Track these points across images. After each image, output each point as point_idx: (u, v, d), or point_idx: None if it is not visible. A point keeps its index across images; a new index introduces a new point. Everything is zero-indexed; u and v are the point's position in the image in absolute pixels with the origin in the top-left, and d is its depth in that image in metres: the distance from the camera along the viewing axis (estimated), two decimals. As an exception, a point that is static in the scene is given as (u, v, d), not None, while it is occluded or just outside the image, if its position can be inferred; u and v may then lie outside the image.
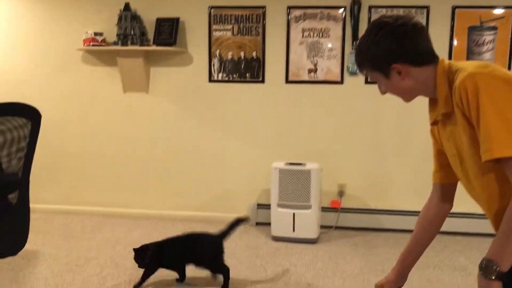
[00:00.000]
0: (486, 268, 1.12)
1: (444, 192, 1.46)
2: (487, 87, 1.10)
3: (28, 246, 3.36)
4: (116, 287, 2.72)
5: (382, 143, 3.87)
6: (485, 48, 3.67)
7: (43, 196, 4.29)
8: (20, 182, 2.08)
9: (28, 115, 2.00)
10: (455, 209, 4.20)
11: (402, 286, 1.53)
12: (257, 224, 3.99)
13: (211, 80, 3.98)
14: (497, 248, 1.11)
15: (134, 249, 2.67)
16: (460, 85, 1.14)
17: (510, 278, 1.12)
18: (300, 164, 3.54)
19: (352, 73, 3.78)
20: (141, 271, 2.72)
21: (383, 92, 1.37)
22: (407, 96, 1.34)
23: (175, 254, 2.73)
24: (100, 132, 4.18)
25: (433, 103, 1.33)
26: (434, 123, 1.36)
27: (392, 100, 3.77)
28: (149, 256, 2.63)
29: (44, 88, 4.18)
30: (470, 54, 3.70)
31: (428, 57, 1.26)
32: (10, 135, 1.93)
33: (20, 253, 3.21)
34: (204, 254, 2.73)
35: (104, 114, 4.16)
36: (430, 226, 1.49)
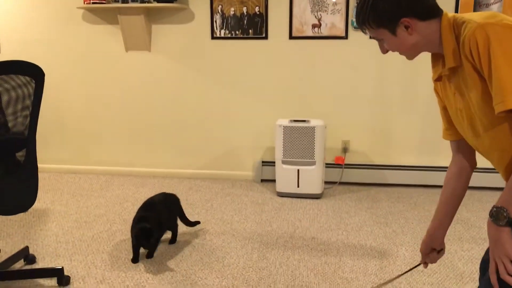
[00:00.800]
0: (496, 214, 1.13)
1: (461, 148, 1.43)
2: (498, 38, 1.07)
3: (37, 204, 3.45)
4: (125, 242, 2.79)
5: (387, 98, 3.85)
6: (492, 0, 3.58)
7: (51, 156, 4.35)
8: (27, 140, 2.10)
9: (31, 73, 2.00)
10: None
11: (438, 248, 1.54)
12: (262, 181, 4.04)
13: (213, 37, 3.93)
14: (507, 196, 1.13)
15: (140, 231, 2.48)
16: (469, 37, 1.12)
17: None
18: (304, 121, 3.55)
19: (357, 28, 3.71)
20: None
21: (385, 51, 1.33)
22: (412, 52, 1.31)
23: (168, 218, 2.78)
24: (103, 92, 4.18)
25: (436, 58, 1.31)
26: (438, 79, 1.34)
27: (398, 55, 3.73)
28: (156, 234, 2.57)
29: (46, 47, 4.15)
30: (478, 7, 3.62)
31: (433, 10, 1.23)
32: (15, 93, 1.93)
33: (30, 210, 3.31)
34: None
35: (107, 73, 4.14)
36: (454, 185, 1.46)
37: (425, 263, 1.58)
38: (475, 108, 1.20)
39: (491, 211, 1.15)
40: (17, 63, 1.94)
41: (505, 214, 1.11)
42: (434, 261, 1.55)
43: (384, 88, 3.84)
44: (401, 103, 3.84)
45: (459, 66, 1.21)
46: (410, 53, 1.31)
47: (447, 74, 1.27)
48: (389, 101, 3.85)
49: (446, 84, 1.31)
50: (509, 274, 1.12)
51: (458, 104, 1.26)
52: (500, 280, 1.14)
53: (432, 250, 1.54)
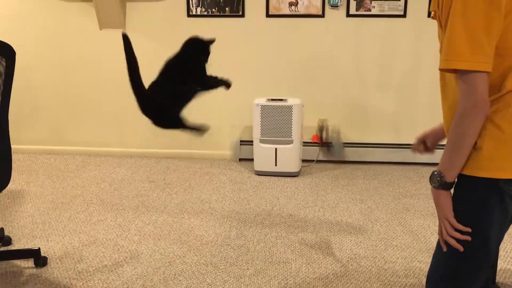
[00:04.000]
0: (431, 178, 1.21)
1: None
2: None
3: (12, 185, 3.40)
4: (102, 222, 2.78)
5: (363, 77, 3.88)
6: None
7: (25, 137, 4.27)
8: (-2, 120, 2.06)
9: (1, 52, 1.95)
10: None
11: (441, 139, 1.52)
12: (240, 160, 4.06)
13: (189, 15, 3.87)
14: (442, 161, 1.18)
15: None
16: None
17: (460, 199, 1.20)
18: (281, 99, 3.55)
19: (333, 6, 3.71)
20: (127, 204, 2.78)
21: None
22: None
23: None
24: (77, 71, 4.10)
25: None
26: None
27: (374, 33, 3.75)
28: None
29: (17, 24, 4.03)
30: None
31: None
32: (-16, 72, 1.88)
33: (4, 192, 3.26)
34: None
35: (80, 52, 4.05)
36: None
37: (418, 149, 1.58)
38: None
39: (430, 175, 1.21)
40: (-14, 41, 1.88)
41: (438, 178, 1.18)
42: (423, 151, 1.56)
43: (361, 66, 3.86)
44: (378, 80, 3.88)
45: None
46: None
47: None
48: (366, 79, 3.88)
49: None
50: (449, 235, 1.19)
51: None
52: (447, 242, 1.22)
53: (427, 142, 1.55)
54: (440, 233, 1.23)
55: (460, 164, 1.15)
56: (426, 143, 1.55)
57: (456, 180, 1.19)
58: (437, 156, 4.07)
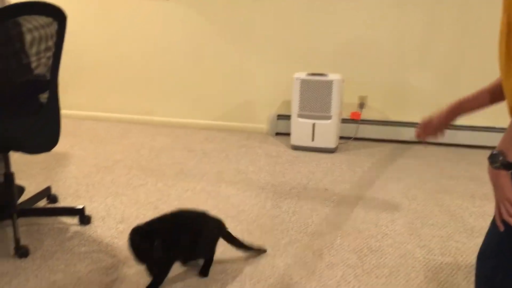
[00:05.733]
0: (492, 157, 1.17)
1: None
2: None
3: (57, 148, 3.52)
4: (143, 186, 2.87)
5: (404, 54, 3.79)
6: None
7: (70, 102, 4.40)
8: (49, 82, 2.14)
9: (53, 14, 2.01)
10: (474, 122, 4.19)
11: (448, 124, 1.52)
12: (277, 134, 4.07)
13: (233, -14, 3.86)
14: (504, 140, 1.15)
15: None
16: None
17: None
18: (322, 74, 3.52)
19: (380, -20, 3.62)
20: (166, 171, 2.84)
21: None
22: None
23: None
24: (122, 38, 4.18)
25: None
26: None
27: (415, 9, 3.64)
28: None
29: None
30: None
31: None
32: (38, 33, 1.95)
33: (51, 152, 3.39)
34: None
35: (125, 20, 4.12)
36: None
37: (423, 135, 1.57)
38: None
39: (489, 155, 1.18)
40: (40, 4, 1.95)
41: (500, 157, 1.14)
42: (429, 133, 1.55)
43: (402, 43, 3.77)
44: (419, 58, 3.78)
45: None
46: None
47: None
48: (407, 56, 3.80)
49: None
50: (510, 215, 1.17)
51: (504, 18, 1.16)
52: (504, 221, 1.19)
53: (434, 124, 1.53)
54: (498, 213, 1.21)
55: None
56: (431, 127, 1.52)
57: None
58: (476, 137, 3.95)
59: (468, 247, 2.27)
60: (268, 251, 2.17)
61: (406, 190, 2.93)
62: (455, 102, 1.51)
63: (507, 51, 1.19)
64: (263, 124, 4.16)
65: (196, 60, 4.11)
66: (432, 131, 1.56)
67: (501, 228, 1.22)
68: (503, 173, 1.16)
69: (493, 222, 1.27)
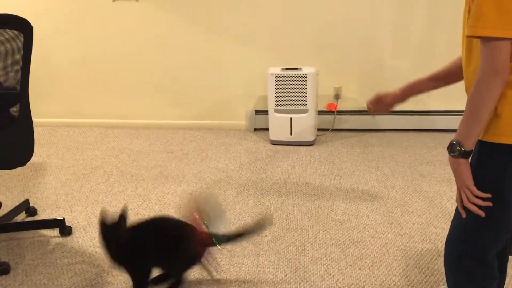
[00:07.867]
0: (450, 147, 1.21)
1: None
2: None
3: (33, 158, 3.49)
4: (123, 192, 2.85)
5: (378, 44, 3.83)
6: None
7: (43, 110, 4.34)
8: (19, 95, 2.10)
9: (19, 27, 1.97)
10: (450, 106, 4.25)
11: (399, 103, 1.64)
12: (255, 129, 4.08)
13: (202, -16, 3.83)
14: (461, 129, 1.19)
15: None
16: None
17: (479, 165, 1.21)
18: (296, 68, 3.54)
19: (348, -29, 3.64)
20: (146, 175, 2.82)
21: None
22: None
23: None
24: (93, 43, 4.12)
25: None
26: None
27: (388, 1, 3.68)
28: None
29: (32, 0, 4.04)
30: None
31: None
32: (3, 47, 1.91)
33: (27, 164, 3.34)
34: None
35: (95, 24, 4.06)
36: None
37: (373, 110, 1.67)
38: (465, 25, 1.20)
39: (448, 145, 1.22)
40: (3, 17, 1.90)
41: (458, 147, 1.19)
42: (379, 109, 1.66)
43: (375, 33, 3.81)
44: (392, 47, 3.83)
45: None
46: None
47: None
48: (380, 46, 3.83)
49: None
50: (470, 202, 1.21)
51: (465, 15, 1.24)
52: (466, 208, 1.24)
53: (384, 101, 1.64)
54: (460, 200, 1.25)
55: (479, 131, 1.16)
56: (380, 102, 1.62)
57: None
58: (452, 121, 4.02)
59: (447, 232, 2.31)
60: (252, 250, 2.18)
61: (385, 179, 2.98)
62: (411, 82, 1.59)
63: (467, 41, 1.23)
64: (241, 120, 4.16)
65: (169, 60, 4.08)
66: (383, 107, 1.65)
67: (463, 214, 1.26)
68: (462, 161, 1.20)
69: (457, 210, 1.31)
